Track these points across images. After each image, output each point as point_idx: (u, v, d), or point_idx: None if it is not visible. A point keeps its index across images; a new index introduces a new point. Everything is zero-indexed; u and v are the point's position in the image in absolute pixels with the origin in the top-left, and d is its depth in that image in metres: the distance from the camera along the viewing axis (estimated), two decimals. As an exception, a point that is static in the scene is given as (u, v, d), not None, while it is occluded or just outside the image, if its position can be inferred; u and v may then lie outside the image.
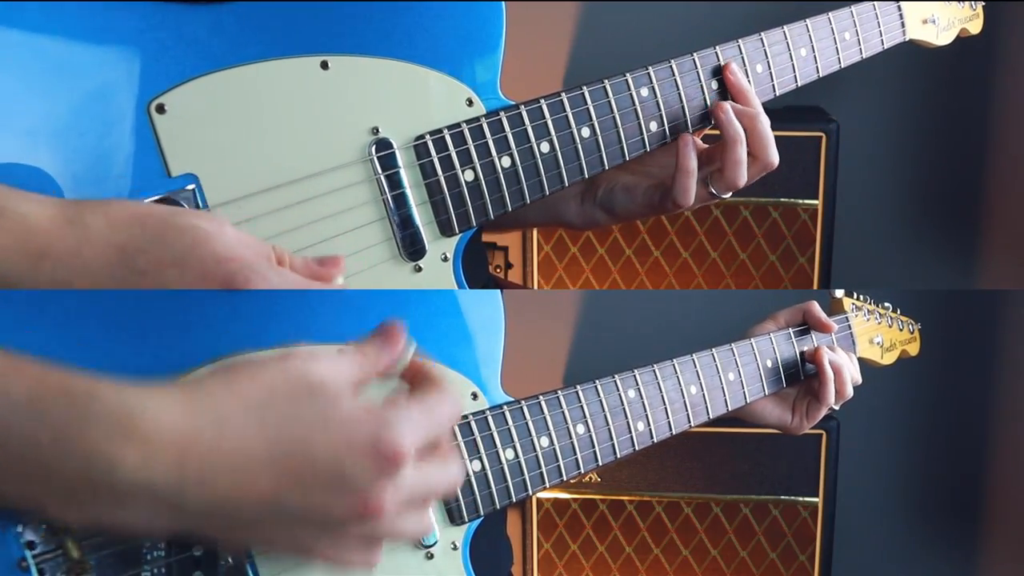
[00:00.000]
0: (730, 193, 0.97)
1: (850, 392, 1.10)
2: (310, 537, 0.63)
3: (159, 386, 0.60)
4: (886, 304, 1.24)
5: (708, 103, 0.95)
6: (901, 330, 1.26)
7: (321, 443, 0.61)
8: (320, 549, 0.64)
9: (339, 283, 0.72)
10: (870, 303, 1.22)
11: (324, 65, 0.77)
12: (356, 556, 0.65)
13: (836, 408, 1.11)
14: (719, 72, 0.96)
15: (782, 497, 1.82)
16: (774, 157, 0.96)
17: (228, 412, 0.60)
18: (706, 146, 0.97)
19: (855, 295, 1.20)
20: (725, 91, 0.96)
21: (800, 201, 1.83)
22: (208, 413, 0.60)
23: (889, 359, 1.25)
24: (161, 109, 0.71)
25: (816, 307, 1.11)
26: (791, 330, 1.10)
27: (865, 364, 1.18)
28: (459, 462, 0.69)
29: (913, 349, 1.29)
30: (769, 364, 1.06)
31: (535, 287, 1.89)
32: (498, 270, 1.87)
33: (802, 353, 1.10)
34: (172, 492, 0.58)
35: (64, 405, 0.57)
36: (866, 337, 1.20)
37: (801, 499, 1.82)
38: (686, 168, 0.94)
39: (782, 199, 1.83)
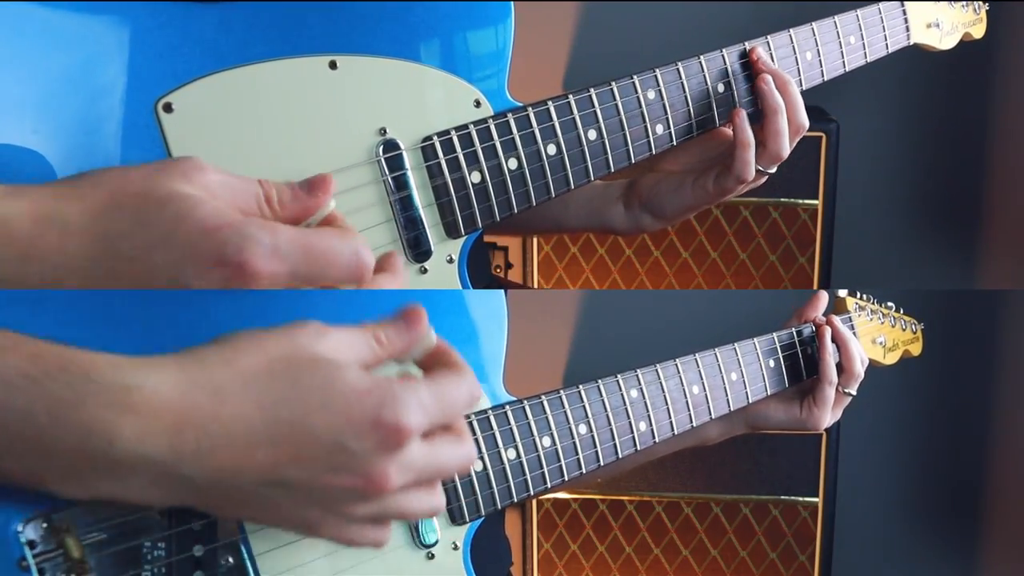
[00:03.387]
0: (775, 167, 0.98)
1: (858, 369, 1.09)
2: (315, 515, 0.62)
3: (157, 359, 0.60)
4: (889, 304, 1.24)
5: (714, 105, 0.96)
6: (904, 330, 1.26)
7: (321, 418, 0.60)
8: (326, 528, 0.63)
9: (331, 205, 0.69)
10: (873, 303, 1.22)
11: (332, 65, 0.77)
12: (364, 535, 0.64)
13: (851, 392, 1.10)
14: (725, 75, 0.96)
15: (782, 497, 1.82)
16: (806, 120, 0.98)
17: (226, 385, 0.59)
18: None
19: (858, 295, 1.20)
20: (731, 94, 0.97)
21: (800, 201, 1.83)
22: (205, 386, 0.59)
23: (892, 359, 1.25)
24: (168, 108, 0.71)
25: (822, 301, 1.13)
26: (794, 329, 1.10)
27: (868, 364, 1.17)
28: (471, 441, 0.67)
29: (916, 349, 1.29)
30: (772, 364, 1.06)
31: (535, 287, 1.89)
32: (498, 270, 1.87)
33: (806, 353, 1.10)
34: (169, 465, 0.58)
35: (61, 381, 0.57)
36: (869, 337, 1.20)
37: (801, 499, 1.82)
38: (745, 141, 0.95)
39: (782, 199, 1.83)
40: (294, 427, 0.60)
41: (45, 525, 0.64)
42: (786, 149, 0.97)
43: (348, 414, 0.60)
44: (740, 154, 0.95)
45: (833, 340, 1.09)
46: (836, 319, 1.10)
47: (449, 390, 0.64)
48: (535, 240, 1.87)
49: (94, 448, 0.57)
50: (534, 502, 1.86)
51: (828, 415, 1.10)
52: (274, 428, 0.59)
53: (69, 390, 0.57)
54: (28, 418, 0.57)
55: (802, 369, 1.10)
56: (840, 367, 1.09)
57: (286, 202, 0.67)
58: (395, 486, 0.62)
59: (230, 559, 0.70)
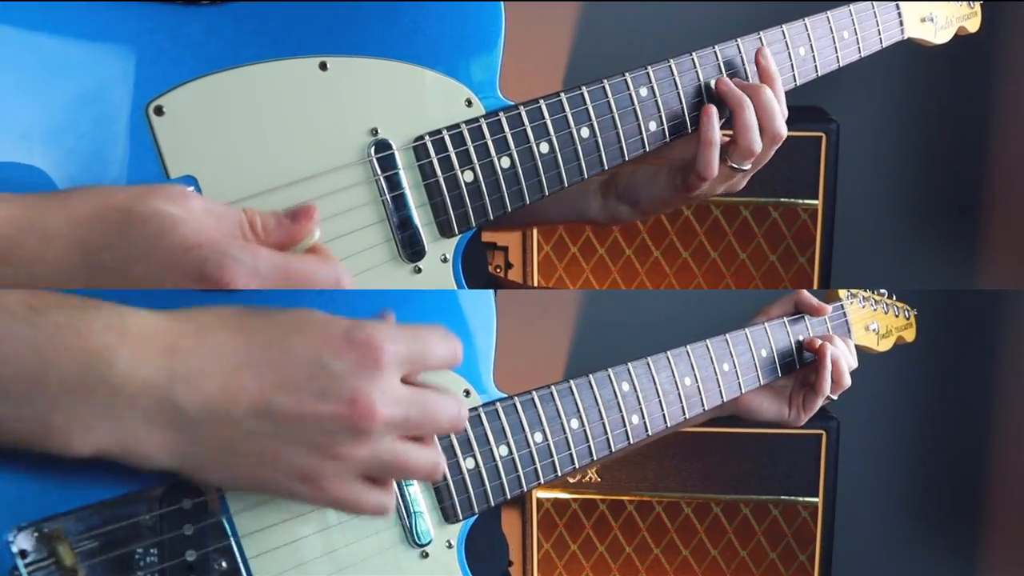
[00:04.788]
0: (749, 164, 0.97)
1: (847, 381, 1.10)
2: (312, 463, 0.64)
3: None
4: (881, 291, 1.24)
5: (707, 102, 0.96)
6: (897, 316, 1.26)
7: (298, 341, 0.63)
8: (326, 482, 0.65)
9: (316, 236, 0.70)
10: (865, 290, 1.22)
11: (323, 66, 0.77)
12: (366, 496, 0.66)
13: (834, 398, 1.11)
14: (719, 72, 0.96)
15: (782, 497, 1.82)
16: (781, 128, 0.97)
17: (208, 320, 0.63)
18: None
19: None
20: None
21: (800, 201, 1.83)
22: (191, 321, 0.63)
23: (885, 346, 1.25)
24: (159, 111, 0.71)
25: (806, 293, 1.12)
26: (785, 319, 1.10)
27: (862, 353, 1.17)
28: (457, 398, 0.69)
29: (909, 335, 1.29)
30: (764, 354, 1.06)
31: (535, 287, 1.89)
32: (498, 270, 1.87)
33: (798, 342, 1.10)
34: (164, 391, 0.60)
35: (62, 311, 0.60)
36: (861, 324, 1.20)
37: (801, 499, 1.82)
38: (709, 139, 0.94)
39: (782, 199, 1.83)
40: (274, 351, 0.62)
41: (36, 534, 0.64)
42: (756, 144, 0.96)
43: (323, 333, 0.63)
44: (702, 151, 0.95)
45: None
46: (836, 339, 1.10)
47: (422, 331, 0.67)
48: (535, 240, 1.87)
49: (95, 375, 0.59)
50: (534, 502, 1.86)
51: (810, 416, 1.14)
52: (256, 355, 0.62)
53: (69, 318, 0.60)
54: (31, 347, 0.59)
55: (796, 359, 1.10)
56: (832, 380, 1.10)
57: (271, 229, 0.69)
58: (383, 415, 0.63)
59: (223, 563, 0.70)
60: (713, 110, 0.94)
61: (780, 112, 0.97)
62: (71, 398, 0.59)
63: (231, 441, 0.62)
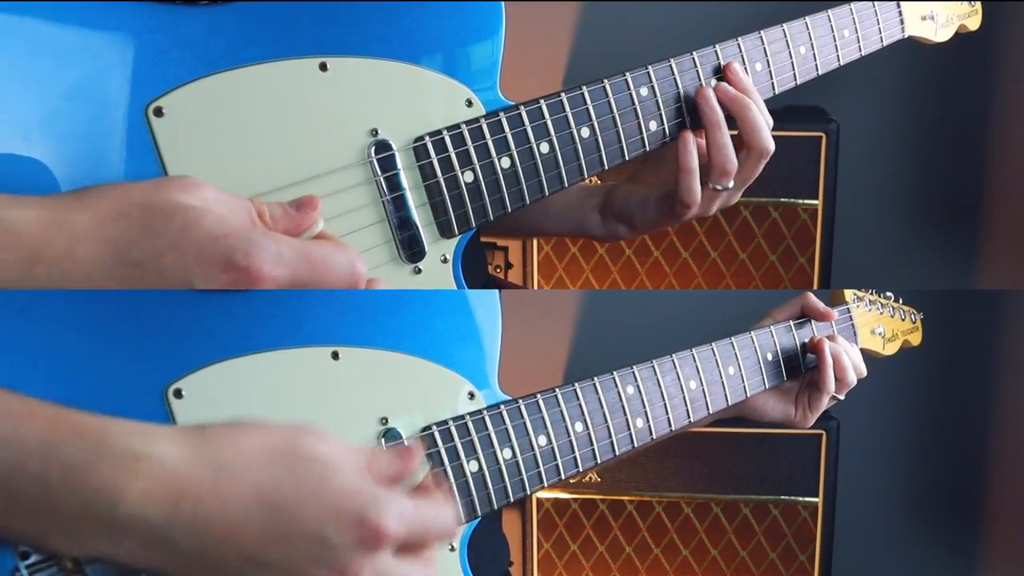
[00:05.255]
0: (730, 183, 0.96)
1: (852, 379, 1.09)
2: None
3: (166, 429, 0.64)
4: (888, 294, 1.24)
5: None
6: (903, 320, 1.26)
7: (311, 508, 0.64)
8: None
9: (320, 225, 0.73)
10: (871, 293, 1.21)
11: (323, 67, 0.77)
12: None
13: (841, 398, 1.11)
14: (719, 71, 0.96)
15: (782, 497, 1.82)
16: (767, 143, 0.96)
17: (228, 463, 0.63)
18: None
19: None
20: (725, 91, 0.96)
21: (800, 201, 1.83)
22: (209, 462, 0.63)
23: (891, 349, 1.25)
24: (159, 112, 0.71)
25: (813, 297, 1.12)
26: (791, 322, 1.09)
27: (867, 355, 1.17)
28: (435, 568, 0.70)
29: (915, 339, 1.29)
30: (769, 357, 1.06)
31: (535, 287, 1.89)
32: (498, 270, 1.87)
33: (803, 344, 1.09)
34: (164, 530, 0.61)
35: (75, 446, 0.60)
36: (867, 328, 1.19)
37: (801, 499, 1.82)
38: (687, 167, 0.94)
39: (782, 199, 1.83)
40: (284, 511, 0.63)
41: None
42: (731, 163, 0.94)
43: (336, 508, 0.64)
44: (683, 179, 0.94)
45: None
46: (839, 337, 1.10)
47: (431, 512, 0.69)
48: (535, 240, 1.87)
49: (99, 509, 0.60)
50: (534, 502, 1.86)
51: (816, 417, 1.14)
52: (266, 510, 0.63)
53: (82, 455, 0.60)
54: (41, 481, 0.59)
55: (800, 362, 1.09)
56: (835, 378, 1.10)
57: (277, 218, 0.71)
58: None
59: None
60: (689, 136, 0.94)
61: (766, 126, 0.96)
62: (73, 523, 0.61)
63: (217, 572, 0.63)
